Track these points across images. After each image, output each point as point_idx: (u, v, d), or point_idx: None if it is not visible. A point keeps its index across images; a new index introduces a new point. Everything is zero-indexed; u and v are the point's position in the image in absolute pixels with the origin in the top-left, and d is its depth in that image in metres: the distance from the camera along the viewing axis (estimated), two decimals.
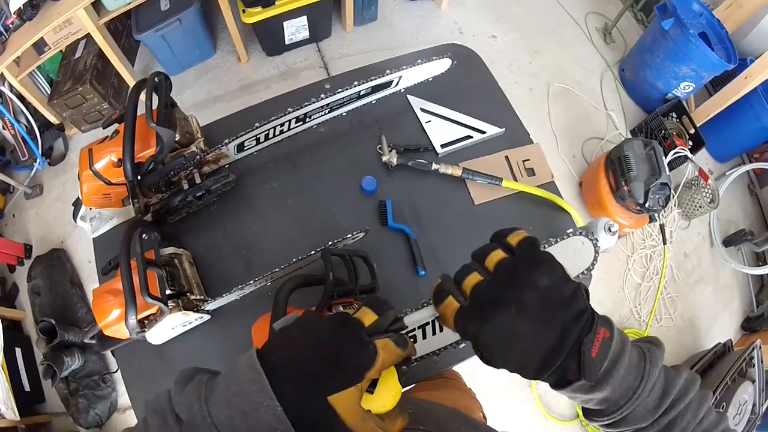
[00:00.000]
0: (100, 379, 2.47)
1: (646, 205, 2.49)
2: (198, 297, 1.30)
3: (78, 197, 1.37)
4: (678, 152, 2.77)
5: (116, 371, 2.51)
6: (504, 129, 1.60)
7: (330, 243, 1.23)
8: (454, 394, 1.42)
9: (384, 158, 1.49)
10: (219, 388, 0.56)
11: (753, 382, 2.46)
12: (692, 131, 2.98)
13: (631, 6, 3.61)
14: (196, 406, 0.55)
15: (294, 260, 1.22)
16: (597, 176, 2.73)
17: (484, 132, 1.59)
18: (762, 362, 2.54)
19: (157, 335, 1.25)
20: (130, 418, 2.48)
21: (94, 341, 1.27)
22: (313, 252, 1.20)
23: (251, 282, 1.24)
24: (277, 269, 1.23)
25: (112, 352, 1.37)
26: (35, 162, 2.88)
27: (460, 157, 1.56)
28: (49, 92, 2.88)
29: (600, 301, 2.90)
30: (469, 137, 1.58)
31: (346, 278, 1.16)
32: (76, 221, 1.44)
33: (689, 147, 2.91)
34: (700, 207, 2.97)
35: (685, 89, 3.06)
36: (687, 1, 2.99)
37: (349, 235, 1.28)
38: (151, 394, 1.28)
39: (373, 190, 1.48)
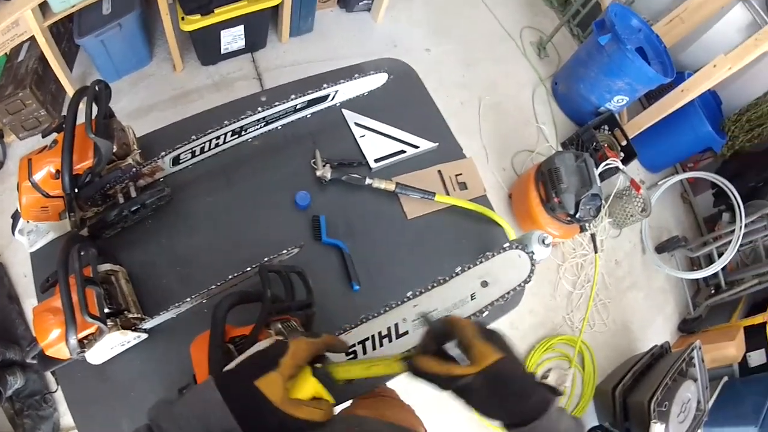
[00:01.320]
0: (42, 399, 2.38)
1: (577, 216, 2.56)
2: (135, 315, 1.27)
3: (17, 209, 1.32)
4: (609, 164, 2.87)
5: (56, 391, 2.43)
6: (437, 144, 1.64)
7: (266, 259, 1.23)
8: (397, 411, 1.44)
9: (318, 173, 1.50)
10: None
11: (695, 381, 2.58)
12: (624, 143, 3.08)
13: (567, 22, 3.70)
14: (163, 406, 0.67)
15: (230, 277, 1.21)
16: (527, 188, 2.79)
17: (417, 147, 1.62)
18: (703, 362, 2.66)
19: (96, 355, 1.22)
20: None
21: (35, 361, 1.22)
22: (249, 268, 1.19)
23: (187, 300, 1.22)
24: (213, 286, 1.22)
25: (53, 372, 1.33)
26: None
27: (393, 171, 1.58)
28: None
29: (532, 309, 2.96)
30: (403, 152, 1.61)
31: (282, 294, 1.16)
32: (14, 234, 1.39)
33: (621, 158, 3.01)
34: (631, 216, 3.08)
35: (618, 102, 3.17)
36: (626, 17, 3.08)
37: (285, 251, 1.28)
38: (94, 414, 1.28)
39: (306, 204, 1.48)
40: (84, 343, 1.15)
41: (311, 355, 0.75)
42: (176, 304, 1.22)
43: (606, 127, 3.14)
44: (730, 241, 3.00)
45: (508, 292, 1.12)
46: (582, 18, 3.66)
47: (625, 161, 3.03)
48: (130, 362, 1.31)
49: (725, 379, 2.86)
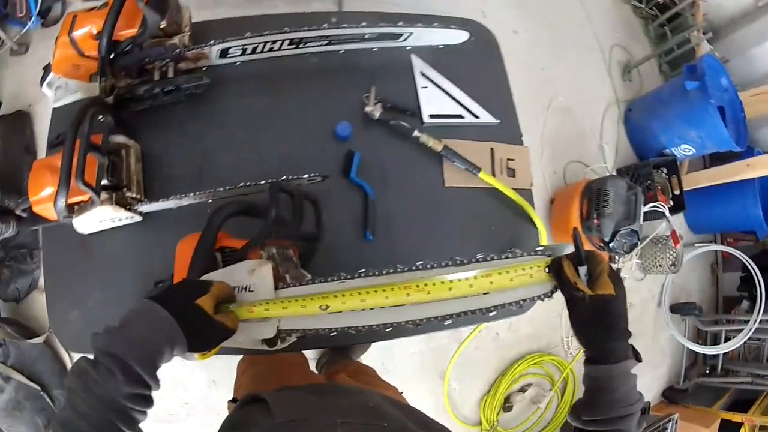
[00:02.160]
0: (28, 253, 2.38)
1: (610, 245, 2.46)
2: (134, 195, 1.25)
3: (50, 62, 1.32)
4: (657, 207, 2.76)
5: None
6: (499, 121, 1.55)
7: (284, 177, 1.17)
8: (387, 387, 1.53)
9: (367, 108, 1.42)
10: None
11: None
12: (677, 192, 2.98)
13: (659, 55, 3.58)
14: (111, 331, 0.76)
15: (241, 184, 1.16)
16: (571, 199, 2.68)
17: (477, 117, 1.53)
18: None
19: (83, 224, 1.20)
20: None
21: (25, 214, 1.25)
22: (263, 182, 1.14)
23: (192, 194, 1.18)
24: (221, 188, 1.18)
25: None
26: (29, 20, 2.72)
27: (444, 133, 1.48)
28: None
29: (534, 320, 2.88)
30: (461, 117, 1.52)
31: (289, 219, 1.09)
32: (42, 86, 1.39)
33: (669, 206, 2.90)
34: (660, 266, 2.98)
35: (684, 151, 3.05)
36: (717, 73, 2.94)
37: (306, 176, 1.21)
38: (65, 282, 1.30)
39: (346, 136, 1.41)
40: (73, 209, 1.16)
41: (229, 296, 0.91)
42: (179, 196, 1.19)
43: (665, 171, 3.03)
44: (740, 330, 2.93)
45: (524, 300, 0.92)
46: (674, 58, 3.51)
47: (672, 210, 2.91)
48: (115, 241, 1.28)
49: None
